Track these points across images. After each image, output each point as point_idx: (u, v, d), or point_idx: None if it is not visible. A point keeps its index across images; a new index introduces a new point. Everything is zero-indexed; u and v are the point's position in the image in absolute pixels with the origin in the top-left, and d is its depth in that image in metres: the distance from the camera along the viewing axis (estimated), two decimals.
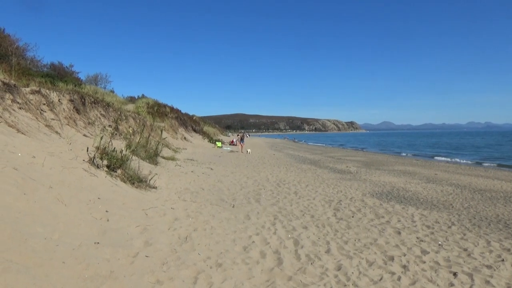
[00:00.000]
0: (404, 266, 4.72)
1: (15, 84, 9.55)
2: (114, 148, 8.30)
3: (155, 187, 8.26)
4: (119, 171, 7.85)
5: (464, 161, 27.39)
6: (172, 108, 37.32)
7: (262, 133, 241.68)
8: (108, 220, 4.94)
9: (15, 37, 18.57)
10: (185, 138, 31.80)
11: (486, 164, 24.39)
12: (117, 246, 4.15)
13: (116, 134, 13.43)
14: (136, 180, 7.87)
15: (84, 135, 11.18)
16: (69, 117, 11.73)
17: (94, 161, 7.50)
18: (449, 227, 6.89)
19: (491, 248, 5.62)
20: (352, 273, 4.42)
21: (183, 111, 43.22)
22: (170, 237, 5.08)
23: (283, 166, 18.15)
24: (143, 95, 39.90)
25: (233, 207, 7.75)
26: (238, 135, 46.50)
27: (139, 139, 12.70)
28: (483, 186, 12.74)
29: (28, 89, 10.57)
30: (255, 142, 53.74)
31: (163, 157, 14.50)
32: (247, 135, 68.65)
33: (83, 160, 7.40)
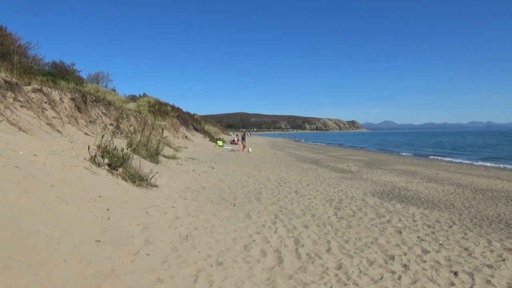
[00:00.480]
0: (405, 265, 4.71)
1: (16, 82, 9.58)
2: (115, 146, 8.32)
3: (156, 186, 8.28)
4: (120, 169, 7.87)
5: (466, 160, 27.35)
6: (173, 107, 37.35)
7: (263, 132, 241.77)
8: (109, 219, 4.95)
9: (17, 35, 18.62)
10: (186, 137, 31.83)
11: (488, 164, 24.35)
12: (118, 244, 4.16)
13: (117, 132, 13.45)
14: (137, 179, 7.88)
15: (86, 133, 11.21)
16: (71, 116, 11.76)
17: (95, 159, 7.52)
18: (450, 226, 6.88)
19: (492, 248, 5.61)
20: (353, 272, 4.42)
21: (184, 110, 43.27)
22: (171, 236, 5.09)
23: (284, 165, 18.15)
24: (144, 93, 39.98)
25: (234, 206, 7.76)
26: (237, 135, 46.46)
27: (140, 137, 12.72)
28: (484, 186, 12.72)
29: (29, 88, 10.60)
30: (256, 141, 53.75)
31: (164, 156, 14.52)
32: (248, 134, 68.53)
33: (85, 159, 7.42)
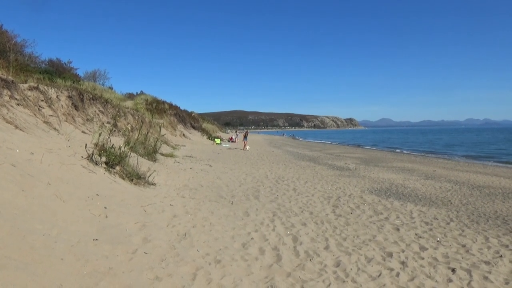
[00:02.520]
0: (403, 262, 4.73)
1: (13, 80, 9.51)
2: (113, 144, 8.29)
3: (154, 184, 8.26)
4: (117, 167, 7.84)
5: (463, 158, 27.48)
6: (171, 105, 37.26)
7: (261, 130, 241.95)
8: (106, 217, 4.93)
9: (13, 33, 18.46)
10: (184, 135, 31.77)
11: (485, 161, 24.47)
12: (116, 242, 4.15)
13: (114, 130, 13.40)
14: (135, 177, 7.86)
15: (83, 131, 11.16)
16: (68, 114, 11.70)
17: (93, 157, 7.49)
18: (448, 223, 6.91)
19: (489, 244, 5.63)
20: (351, 269, 4.43)
21: (182, 108, 43.18)
22: (169, 234, 5.08)
23: (282, 163, 18.16)
24: (141, 91, 39.88)
25: (232, 203, 7.75)
26: (236, 132, 46.39)
27: (138, 135, 12.68)
28: (481, 183, 12.78)
29: (26, 86, 10.53)
30: (254, 139, 53.71)
31: (162, 154, 14.49)
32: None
33: (82, 157, 7.39)
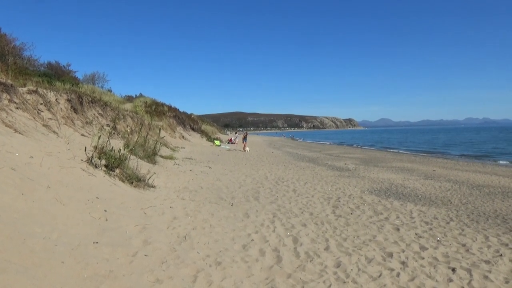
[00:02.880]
0: (403, 262, 4.73)
1: (12, 84, 9.51)
2: (112, 147, 8.29)
3: (153, 186, 8.26)
4: (117, 170, 7.84)
5: (462, 157, 27.50)
6: (170, 107, 37.24)
7: (260, 131, 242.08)
8: (106, 220, 4.93)
9: (11, 36, 18.49)
10: (183, 137, 31.76)
11: (484, 160, 24.48)
12: (116, 245, 4.15)
13: (114, 133, 13.40)
14: (135, 179, 7.86)
15: (82, 134, 11.15)
16: (67, 117, 11.70)
17: (92, 160, 7.49)
18: (448, 223, 6.92)
19: (489, 243, 5.64)
20: (351, 270, 4.43)
21: (181, 110, 43.16)
22: (169, 236, 5.08)
23: (281, 164, 18.16)
24: (141, 94, 39.86)
25: (232, 205, 7.75)
26: (236, 133, 46.32)
27: (137, 138, 12.68)
28: (481, 182, 12.79)
29: (25, 89, 10.53)
30: (253, 140, 53.67)
31: (162, 156, 14.48)
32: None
33: (81, 160, 7.39)
